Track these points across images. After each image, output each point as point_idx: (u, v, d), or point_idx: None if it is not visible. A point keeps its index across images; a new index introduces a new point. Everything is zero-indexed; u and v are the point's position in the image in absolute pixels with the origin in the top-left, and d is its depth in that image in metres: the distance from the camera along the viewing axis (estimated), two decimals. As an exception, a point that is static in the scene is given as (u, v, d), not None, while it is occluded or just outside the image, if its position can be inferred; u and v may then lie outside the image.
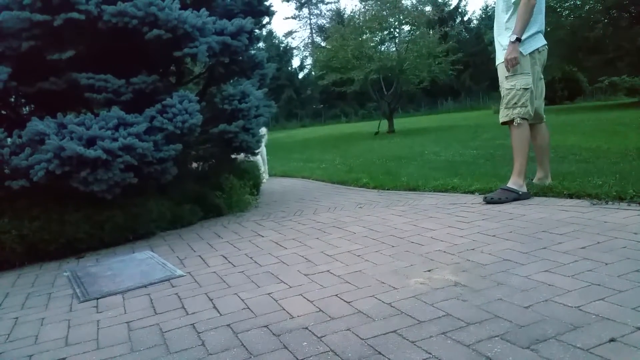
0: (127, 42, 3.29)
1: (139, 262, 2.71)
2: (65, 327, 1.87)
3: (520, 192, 3.13)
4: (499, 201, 3.11)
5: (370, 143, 11.93)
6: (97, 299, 2.16)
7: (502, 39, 3.18)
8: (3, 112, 3.49)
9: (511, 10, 3.13)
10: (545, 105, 3.39)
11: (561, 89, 22.90)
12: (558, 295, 1.63)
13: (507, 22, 3.15)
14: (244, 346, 1.54)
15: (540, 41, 3.17)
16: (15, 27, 2.98)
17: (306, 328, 1.61)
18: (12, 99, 3.44)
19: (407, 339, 1.45)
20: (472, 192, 3.62)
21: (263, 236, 3.04)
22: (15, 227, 2.86)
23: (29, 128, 2.85)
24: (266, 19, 4.56)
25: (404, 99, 22.12)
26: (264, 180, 6.66)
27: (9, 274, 2.76)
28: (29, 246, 2.89)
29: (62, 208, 3.06)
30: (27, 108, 3.66)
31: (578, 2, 16.92)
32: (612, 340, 1.31)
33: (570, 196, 3.00)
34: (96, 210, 3.14)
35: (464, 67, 27.42)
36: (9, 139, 2.88)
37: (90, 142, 2.88)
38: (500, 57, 3.20)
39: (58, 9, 2.96)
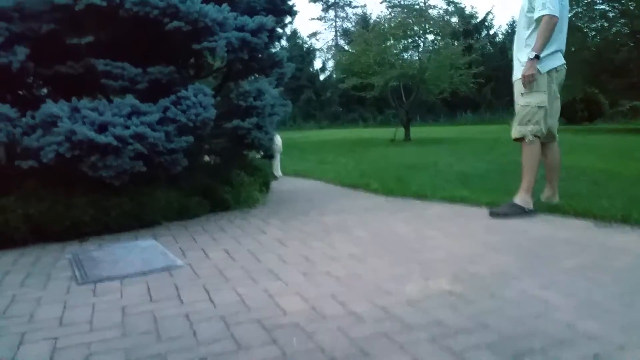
0: (147, 32, 3.35)
1: (142, 250, 2.75)
2: (61, 308, 1.91)
3: (526, 209, 3.10)
4: (505, 215, 3.09)
5: (385, 149, 11.89)
6: (96, 282, 2.19)
7: (521, 55, 3.16)
8: (19, 92, 3.57)
9: (532, 27, 3.10)
10: (565, 124, 3.37)
11: (582, 109, 22.60)
12: (550, 311, 1.61)
13: (527, 38, 3.13)
14: (234, 338, 1.55)
15: (559, 60, 3.14)
16: (36, 9, 3.05)
17: (297, 325, 1.61)
18: (29, 80, 3.51)
19: (396, 342, 1.45)
20: (480, 205, 3.60)
21: (267, 233, 3.06)
22: (21, 207, 2.91)
23: (42, 109, 2.92)
24: (288, 19, 4.60)
25: (422, 108, 22.04)
26: (278, 177, 6.72)
27: (11, 252, 2.82)
28: (33, 226, 2.94)
29: (70, 191, 3.12)
30: (43, 90, 3.73)
31: (605, 24, 16.67)
32: (595, 356, 1.31)
33: (576, 216, 2.97)
34: (103, 196, 3.19)
35: (485, 81, 27.18)
36: (22, 119, 2.95)
37: (102, 128, 2.93)
38: (517, 73, 3.18)
39: (81, -6, 3.02)
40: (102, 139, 2.85)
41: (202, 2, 3.34)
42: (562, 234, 2.59)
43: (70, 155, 2.87)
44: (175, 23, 3.20)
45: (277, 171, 6.80)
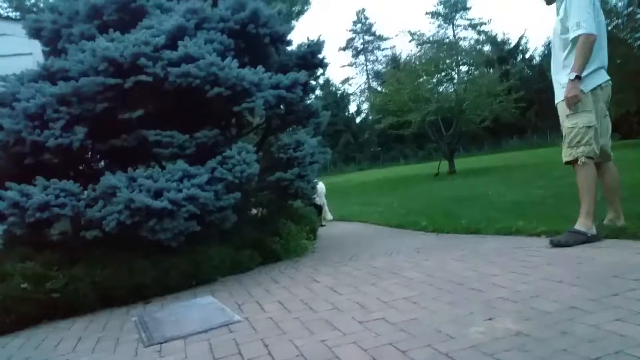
0: (190, 100, 3.59)
1: (201, 308, 2.82)
2: (131, 370, 1.98)
3: (589, 234, 2.95)
4: (566, 244, 2.94)
5: (429, 185, 11.75)
6: (161, 343, 2.27)
7: (560, 77, 3.12)
8: (79, 167, 3.86)
9: (568, 48, 3.07)
10: (620, 140, 3.25)
11: (637, 122, 21.51)
12: (631, 347, 1.50)
13: (564, 60, 3.10)
14: (297, 394, 1.55)
15: (603, 77, 3.07)
16: (91, 91, 3.36)
17: (359, 377, 1.59)
18: (88, 155, 3.80)
19: (464, 391, 1.40)
20: (538, 235, 3.45)
21: (318, 281, 3.05)
22: (88, 275, 3.09)
23: (102, 182, 3.15)
24: (320, 70, 4.80)
25: (465, 139, 21.73)
26: (329, 219, 6.78)
27: (82, 318, 2.97)
28: (100, 292, 3.10)
29: (131, 256, 3.28)
30: (100, 163, 4.02)
31: (650, 33, 16.16)
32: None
33: (646, 238, 2.78)
34: (162, 257, 3.33)
35: (528, 105, 26.62)
36: (84, 192, 3.18)
37: (157, 194, 3.12)
38: (559, 95, 3.13)
39: (128, 73, 3.31)
40: (158, 204, 3.02)
41: (238, 67, 3.56)
42: (634, 260, 2.42)
43: (130, 222, 3.05)
44: (216, 89, 3.42)
45: (328, 215, 6.90)
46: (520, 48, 41.48)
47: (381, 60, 49.41)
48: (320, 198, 6.84)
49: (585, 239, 2.93)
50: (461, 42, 17.51)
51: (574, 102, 3.00)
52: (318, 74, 4.64)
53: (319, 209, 6.75)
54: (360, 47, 50.20)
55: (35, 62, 4.11)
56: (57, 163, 3.39)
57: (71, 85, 3.41)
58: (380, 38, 49.67)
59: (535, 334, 1.71)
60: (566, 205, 4.65)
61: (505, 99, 16.76)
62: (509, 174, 11.55)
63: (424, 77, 16.98)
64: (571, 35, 3.01)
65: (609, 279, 2.17)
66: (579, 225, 3.00)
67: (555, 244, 2.99)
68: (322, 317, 2.28)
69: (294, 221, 4.56)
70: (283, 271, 3.60)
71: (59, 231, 3.16)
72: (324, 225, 6.39)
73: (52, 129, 3.29)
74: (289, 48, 4.52)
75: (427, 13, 48.35)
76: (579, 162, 3.01)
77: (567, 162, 3.09)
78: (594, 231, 2.97)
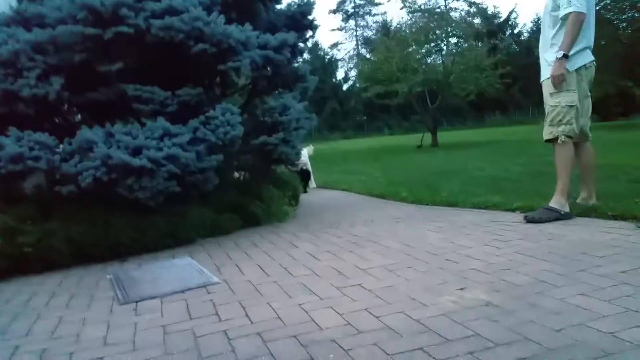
0: (173, 56, 3.47)
1: (179, 268, 2.82)
2: (105, 328, 1.98)
3: (562, 212, 3.03)
4: (540, 220, 3.02)
5: (412, 156, 11.82)
6: (137, 302, 2.27)
7: (548, 55, 3.11)
8: (55, 120, 3.74)
9: (558, 26, 3.05)
10: (598, 121, 3.29)
11: (615, 104, 21.83)
12: (592, 320, 1.57)
13: (553, 37, 3.08)
14: (272, 355, 1.58)
15: (588, 57, 3.07)
16: (69, 41, 3.21)
17: (334, 340, 1.63)
18: (64, 108, 3.68)
19: (433, 357, 1.44)
20: (514, 210, 3.53)
21: (298, 247, 3.09)
22: (63, 230, 3.05)
23: (79, 136, 3.06)
24: (309, 33, 4.68)
25: (449, 112, 21.81)
26: (312, 186, 6.80)
27: (56, 274, 2.94)
28: (75, 249, 3.07)
29: (108, 213, 3.25)
30: (77, 117, 3.90)
31: (636, 15, 16.14)
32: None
33: (615, 218, 2.87)
34: (140, 217, 3.30)
35: (513, 81, 26.69)
36: (60, 146, 3.09)
37: (136, 151, 3.05)
38: (545, 73, 3.13)
39: (108, 23, 3.16)
40: (136, 161, 2.96)
41: (225, 23, 3.44)
42: (601, 238, 2.51)
43: (107, 178, 2.99)
44: (201, 46, 3.31)
45: (313, 183, 6.91)
46: (510, 23, 41.18)
47: (371, 26, 48.56)
48: (306, 162, 6.81)
49: (558, 216, 3.01)
50: (452, 13, 17.22)
51: (559, 81, 3.01)
52: (307, 36, 4.52)
53: (306, 175, 6.71)
54: (351, 10, 49.10)
55: (8, 5, 3.89)
56: (32, 114, 3.27)
57: (48, 34, 3.26)
58: (372, 2, 48.58)
59: (504, 305, 1.77)
60: (543, 182, 4.75)
61: (492, 74, 16.75)
62: (489, 149, 11.69)
63: (413, 47, 16.79)
64: (562, 13, 2.99)
65: (577, 255, 2.25)
66: (553, 203, 3.07)
67: (529, 220, 3.07)
68: (301, 282, 2.31)
69: (276, 186, 4.55)
70: (263, 235, 3.62)
71: (33, 185, 3.08)
72: (307, 192, 6.41)
73: (26, 78, 3.16)
74: (278, 7, 4.38)
75: (420, -20, 47.28)
76: (558, 140, 3.05)
77: (547, 140, 3.13)
78: (567, 209, 3.05)
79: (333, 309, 1.90)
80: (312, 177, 6.83)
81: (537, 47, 3.31)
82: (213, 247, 3.38)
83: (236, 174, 4.69)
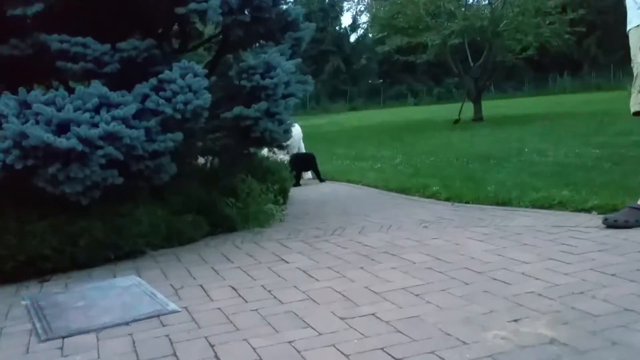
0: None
1: (121, 291, 2.82)
2: (21, 373, 1.99)
3: (656, 214, 3.03)
4: (625, 225, 3.03)
5: (447, 135, 11.82)
6: (63, 338, 2.26)
7: (640, -7, 3.09)
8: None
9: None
10: None
11: None
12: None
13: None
14: (252, 412, 1.59)
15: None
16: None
17: (337, 392, 1.63)
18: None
19: (476, 416, 1.45)
20: (588, 211, 3.54)
21: (288, 262, 3.09)
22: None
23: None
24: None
25: (498, 74, 21.73)
26: (306, 177, 6.80)
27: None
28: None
29: (23, 215, 3.23)
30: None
31: None
32: None
33: None
34: (68, 220, 3.29)
35: (588, 30, 26.62)
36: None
37: (62, 128, 3.03)
38: (634, 19, 3.12)
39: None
40: (62, 142, 2.94)
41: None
42: None
43: (21, 166, 2.98)
44: (152, -20, 3.30)
45: (307, 174, 6.90)
46: (586, -51, 41.06)
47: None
48: (296, 145, 6.78)
49: (651, 220, 3.02)
50: None
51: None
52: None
53: (302, 162, 6.66)
54: None
55: None
56: None
57: None
58: None
59: (575, 343, 1.77)
60: (630, 172, 4.74)
61: (558, 20, 16.69)
62: (554, 125, 11.70)
63: (449, -18, 16.70)
64: None
65: (678, 275, 2.25)
66: (644, 201, 3.08)
67: (611, 224, 3.07)
68: (291, 310, 2.31)
69: (257, 177, 4.54)
70: (239, 246, 3.62)
71: None
72: (299, 185, 6.41)
73: None
74: None
75: None
76: (651, 114, 3.05)
77: (636, 113, 3.13)
78: (664, 210, 3.06)
79: (336, 348, 1.91)
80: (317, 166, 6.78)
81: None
82: (169, 261, 3.37)
83: (201, 160, 4.68)
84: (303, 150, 7.02)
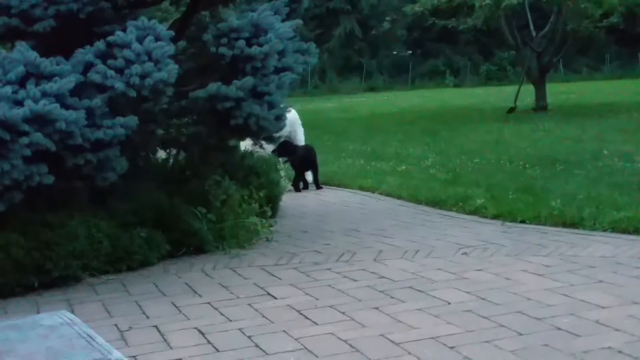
0: None
1: (47, 332, 2.81)
2: None
3: None
4: None
5: (497, 129, 11.79)
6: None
7: None
8: None
9: None
10: None
11: None
12: None
13: None
14: None
15: None
16: None
17: None
18: None
19: None
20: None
21: (276, 297, 3.09)
22: None
23: None
24: None
25: (570, 47, 21.71)
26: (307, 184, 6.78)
27: None
28: None
29: None
30: None
31: None
32: None
33: None
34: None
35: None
36: None
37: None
38: None
39: None
40: (-28, 126, 2.95)
41: None
42: None
43: None
44: None
45: (309, 175, 6.88)
46: None
47: None
48: (296, 134, 6.72)
49: None
50: None
51: None
52: None
53: (302, 158, 6.61)
54: None
55: None
56: None
57: None
58: None
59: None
60: None
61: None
62: (645, 119, 11.67)
63: None
64: None
65: None
66: None
67: None
68: (278, 364, 2.31)
69: (236, 180, 4.54)
70: (210, 273, 3.62)
71: None
72: (300, 191, 6.43)
73: None
74: None
75: None
76: None
77: None
78: None
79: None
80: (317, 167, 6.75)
81: None
82: (114, 292, 3.37)
83: (162, 155, 4.68)
84: (302, 141, 6.94)
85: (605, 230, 3.92)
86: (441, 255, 3.67)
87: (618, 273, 3.07)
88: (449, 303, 2.83)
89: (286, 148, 6.21)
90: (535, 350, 2.27)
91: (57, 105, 3.13)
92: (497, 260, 3.48)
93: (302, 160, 6.53)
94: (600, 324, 2.46)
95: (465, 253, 3.68)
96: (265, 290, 3.22)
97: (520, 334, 2.42)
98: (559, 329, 2.45)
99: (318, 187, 6.62)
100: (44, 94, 3.14)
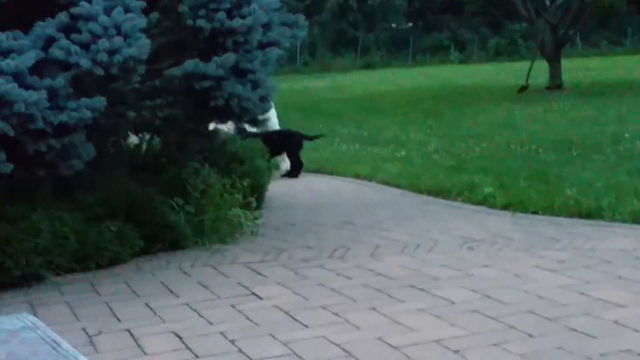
0: None
1: (7, 337, 2.80)
2: None
3: None
4: None
5: (507, 110, 11.81)
6: None
7: None
8: None
9: None
10: None
11: None
12: None
13: None
14: None
15: None
16: None
17: None
18: None
19: None
20: None
21: (262, 298, 3.09)
22: None
23: None
24: None
25: (588, 19, 21.77)
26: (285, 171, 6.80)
27: None
28: None
29: None
30: None
31: None
32: None
33: None
34: None
35: None
36: None
37: None
38: None
39: None
40: None
41: None
42: None
43: None
44: None
45: (286, 161, 6.89)
46: None
47: None
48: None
49: None
50: None
51: None
52: None
53: (284, 142, 6.62)
54: None
55: None
56: None
57: None
58: None
59: None
60: None
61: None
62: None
63: None
64: None
65: None
66: None
67: None
68: (263, 371, 2.32)
69: (217, 167, 4.54)
70: (188, 271, 3.63)
71: None
72: (295, 176, 6.44)
73: None
74: None
75: None
76: None
77: None
78: None
79: None
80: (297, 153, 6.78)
81: None
82: (82, 292, 3.38)
83: (134, 140, 4.67)
84: (276, 125, 6.93)
85: (625, 222, 3.94)
86: (444, 250, 3.68)
87: (639, 268, 3.07)
88: (453, 303, 2.83)
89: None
90: (547, 354, 2.28)
91: (15, 85, 3.13)
92: (506, 255, 3.49)
93: (298, 144, 6.56)
94: (619, 325, 2.47)
95: (471, 247, 3.69)
96: (249, 290, 3.23)
97: (531, 336, 2.43)
98: (574, 330, 2.45)
99: (292, 175, 6.67)
100: (0, 73, 3.13)
